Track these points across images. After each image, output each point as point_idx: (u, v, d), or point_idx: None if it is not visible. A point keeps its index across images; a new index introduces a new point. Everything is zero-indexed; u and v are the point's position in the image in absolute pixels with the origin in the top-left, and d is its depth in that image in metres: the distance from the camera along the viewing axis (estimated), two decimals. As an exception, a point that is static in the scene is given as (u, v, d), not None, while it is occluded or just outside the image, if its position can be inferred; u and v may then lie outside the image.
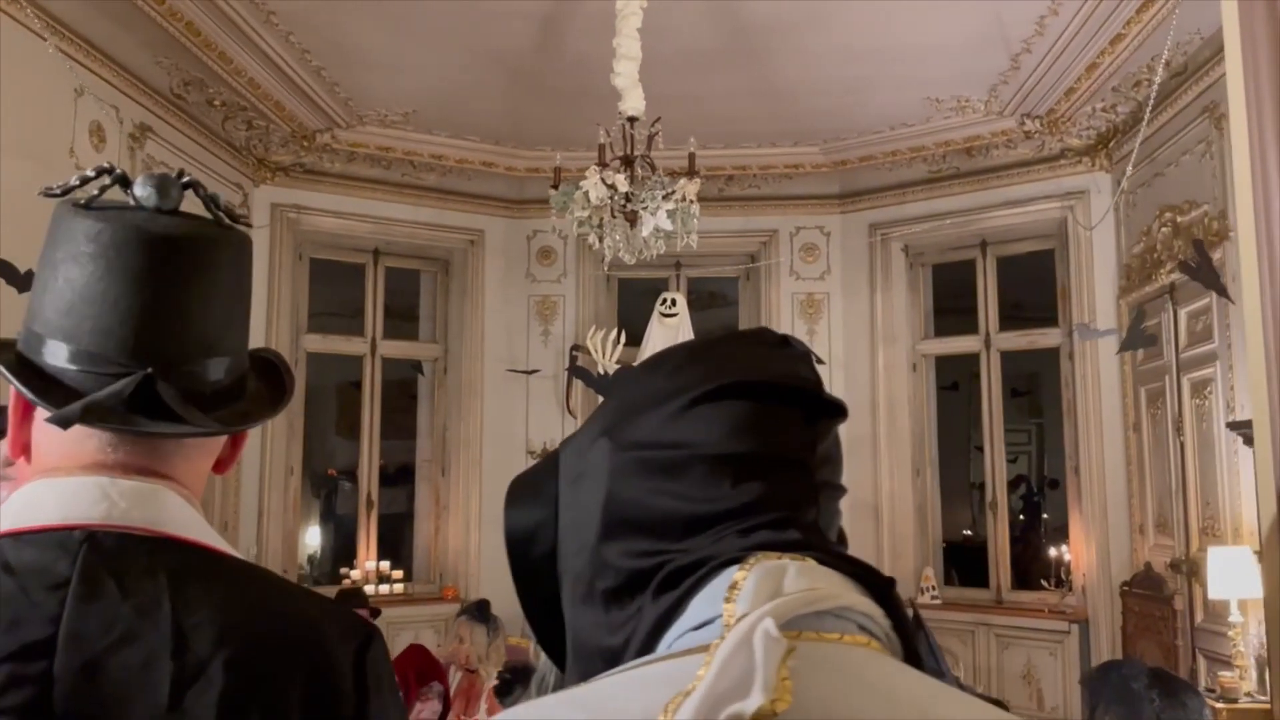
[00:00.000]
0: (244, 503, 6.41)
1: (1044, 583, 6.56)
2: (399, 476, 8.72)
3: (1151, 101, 5.07)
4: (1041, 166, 6.53)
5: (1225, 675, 4.48)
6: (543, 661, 2.38)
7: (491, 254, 7.44)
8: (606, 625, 0.71)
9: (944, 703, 0.64)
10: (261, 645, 0.88)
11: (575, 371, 7.12)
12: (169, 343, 0.92)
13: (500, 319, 7.42)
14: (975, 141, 6.50)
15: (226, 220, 1.00)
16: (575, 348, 7.29)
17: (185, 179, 0.98)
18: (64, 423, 0.86)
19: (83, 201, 0.93)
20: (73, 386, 0.89)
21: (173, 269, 0.93)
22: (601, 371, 7.10)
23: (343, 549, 8.59)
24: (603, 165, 4.08)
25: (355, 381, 7.58)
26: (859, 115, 6.32)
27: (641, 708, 0.58)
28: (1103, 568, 6.10)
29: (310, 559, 9.10)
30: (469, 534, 7.22)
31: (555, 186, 4.32)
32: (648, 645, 0.67)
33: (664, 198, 4.01)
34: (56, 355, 0.90)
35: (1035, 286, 7.08)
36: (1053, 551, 6.69)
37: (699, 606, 0.66)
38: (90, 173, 0.94)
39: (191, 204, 0.99)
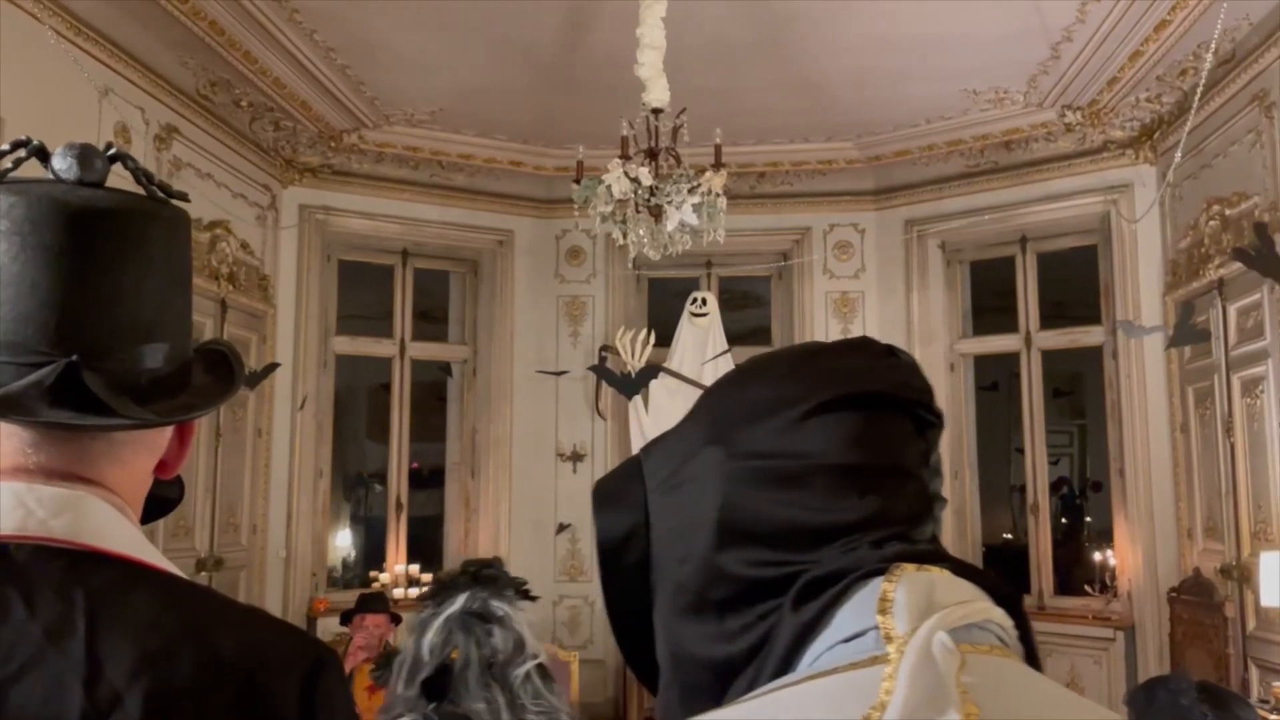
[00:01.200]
0: (273, 506, 6.38)
1: (1088, 588, 6.36)
2: (430, 479, 8.68)
3: (1201, 89, 4.88)
4: (1083, 160, 6.34)
5: (1279, 685, 4.30)
6: (407, 643, 2.29)
7: (520, 254, 7.37)
8: (721, 635, 0.70)
9: (1090, 711, 0.67)
10: (187, 674, 0.77)
11: (598, 370, 7.03)
12: (96, 328, 0.83)
13: (529, 320, 7.35)
14: (1014, 134, 6.32)
15: (160, 195, 0.89)
16: (604, 348, 7.20)
17: (111, 150, 0.88)
18: None
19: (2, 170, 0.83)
20: None
21: (98, 246, 0.83)
22: (628, 371, 7.00)
23: (373, 552, 8.56)
24: (626, 158, 3.98)
25: (385, 384, 7.54)
26: (894, 109, 6.17)
27: (830, 718, 0.59)
28: (1149, 573, 5.90)
29: (343, 562, 9.09)
30: (499, 536, 7.15)
31: (578, 181, 4.23)
32: (789, 656, 0.67)
33: (689, 191, 3.90)
34: None
35: (1076, 284, 6.88)
36: (1097, 556, 6.49)
37: (847, 618, 0.66)
38: (4, 146, 0.84)
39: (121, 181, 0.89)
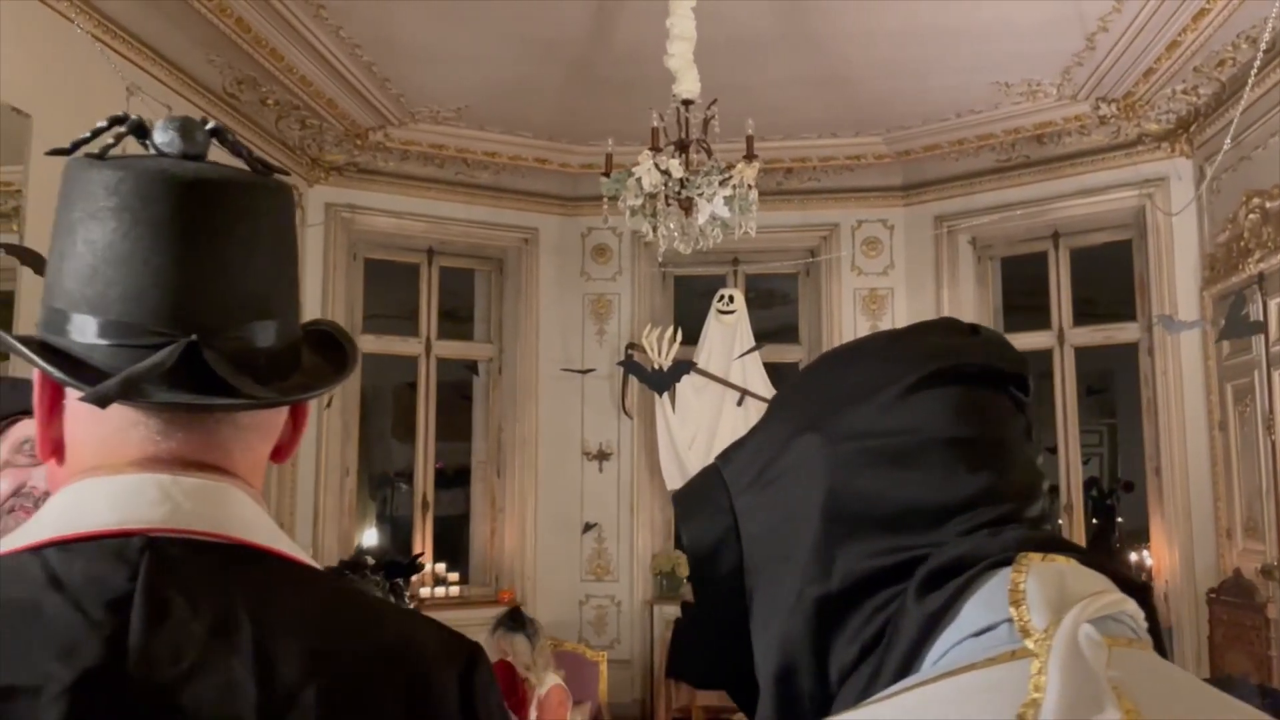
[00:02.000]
0: (300, 504, 6.37)
1: (1123, 589, 6.24)
2: (455, 478, 8.67)
3: (1253, 79, 4.77)
4: (1117, 153, 6.24)
5: (1326, 690, 4.19)
6: None
7: (546, 252, 7.34)
8: (832, 633, 0.67)
9: (1234, 703, 0.63)
10: (358, 671, 0.75)
11: (628, 365, 6.99)
12: (211, 304, 0.78)
13: (555, 318, 7.32)
14: (1047, 128, 6.22)
15: (260, 168, 0.85)
16: (630, 346, 7.15)
17: (211, 124, 0.85)
18: (100, 401, 0.73)
19: (97, 153, 0.80)
20: (104, 365, 0.76)
21: (209, 219, 0.79)
22: (658, 367, 6.95)
23: (400, 551, 8.55)
24: (656, 150, 3.93)
25: (411, 383, 7.53)
26: (923, 102, 6.09)
27: (981, 716, 0.57)
28: (1186, 574, 5.79)
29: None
30: (525, 536, 7.12)
31: (607, 174, 4.17)
32: (914, 651, 0.64)
33: (720, 183, 3.84)
34: (84, 331, 0.77)
35: (1108, 281, 6.77)
36: (1133, 557, 6.38)
37: (976, 611, 0.63)
38: (102, 123, 0.81)
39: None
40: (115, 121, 0.82)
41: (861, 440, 0.71)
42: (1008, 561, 0.64)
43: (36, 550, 0.74)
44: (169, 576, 0.73)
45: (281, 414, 0.87)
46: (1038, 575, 0.63)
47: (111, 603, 0.71)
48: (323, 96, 5.79)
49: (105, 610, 0.71)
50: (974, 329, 0.77)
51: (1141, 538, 6.51)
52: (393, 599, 2.70)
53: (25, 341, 0.78)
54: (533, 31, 5.21)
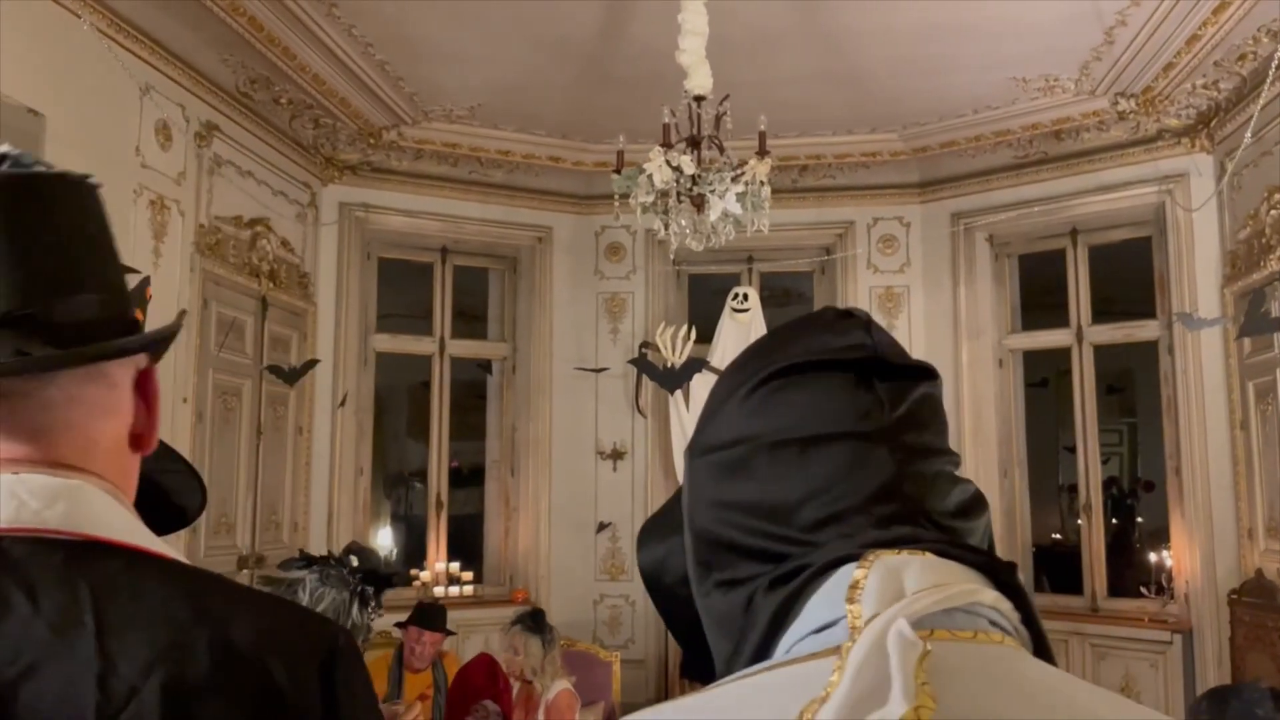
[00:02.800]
0: (314, 503, 6.38)
1: (1144, 590, 6.18)
2: (470, 478, 8.66)
3: (1274, 73, 4.70)
4: (1136, 149, 6.16)
5: (1351, 693, 4.12)
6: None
7: (559, 251, 7.33)
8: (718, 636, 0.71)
9: (1094, 701, 0.62)
10: (203, 665, 0.73)
11: (639, 364, 6.96)
12: (12, 284, 0.79)
13: (569, 317, 7.30)
14: (1065, 124, 6.15)
15: (50, 169, 0.87)
16: (644, 345, 7.13)
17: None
18: None
19: None
20: None
21: (13, 208, 0.81)
22: (670, 366, 6.92)
23: (414, 550, 8.56)
24: (668, 146, 3.89)
25: (425, 382, 7.53)
26: (940, 98, 6.04)
27: (771, 715, 0.57)
28: (1207, 574, 5.72)
29: (385, 561, 9.09)
30: (539, 535, 7.11)
31: (618, 171, 4.14)
32: (765, 644, 0.65)
33: (733, 179, 3.80)
34: None
35: (1127, 278, 6.70)
36: (1153, 557, 6.31)
37: (818, 607, 0.64)
38: None
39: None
40: None
41: (707, 455, 0.73)
42: (858, 558, 0.64)
43: None
44: (11, 575, 0.73)
45: (121, 395, 0.86)
46: (881, 571, 0.62)
47: None
48: (336, 95, 5.78)
49: None
50: (846, 314, 0.75)
51: (1162, 538, 6.44)
52: (355, 605, 2.76)
53: None
54: (545, 29, 5.19)
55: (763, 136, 4.14)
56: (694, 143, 4.00)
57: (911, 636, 0.57)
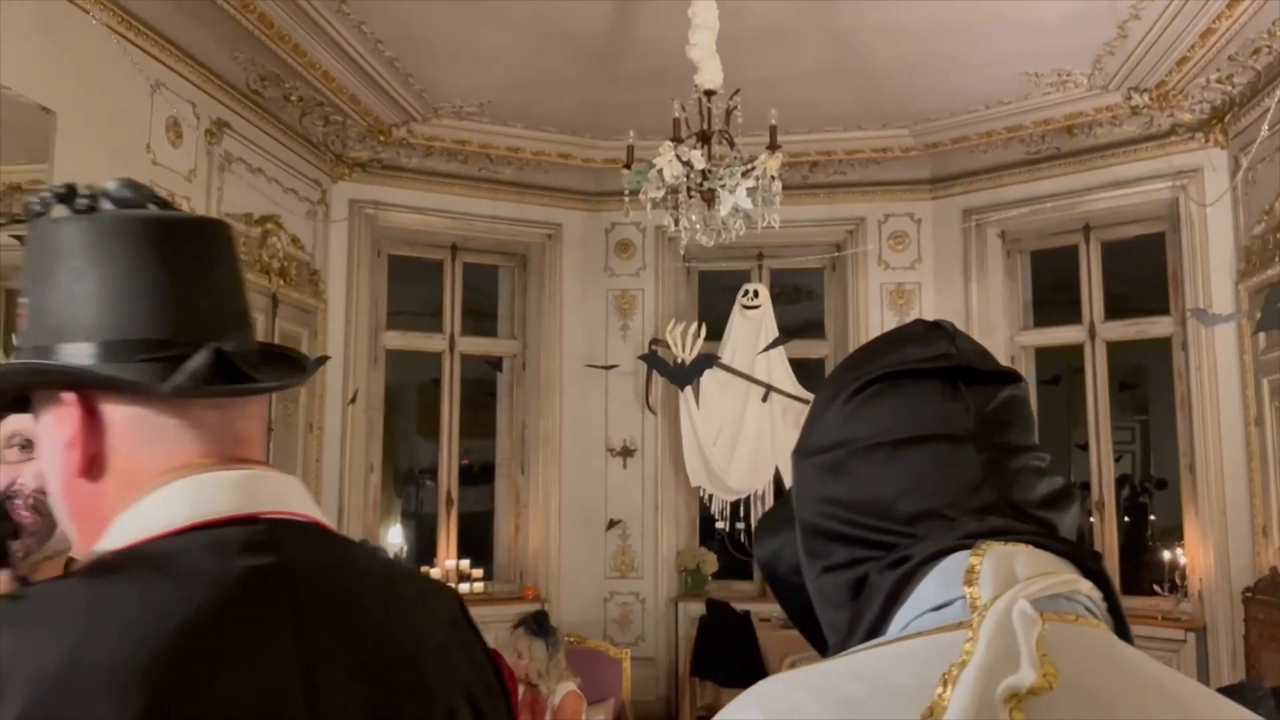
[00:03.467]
0: (324, 500, 6.38)
1: (1157, 588, 6.14)
2: (480, 475, 8.66)
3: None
4: (1150, 144, 6.12)
5: (1367, 692, 4.08)
6: None
7: (569, 248, 7.32)
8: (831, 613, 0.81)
9: (1174, 681, 0.71)
10: (423, 589, 1.02)
11: (649, 360, 6.95)
12: (216, 317, 0.93)
13: (579, 314, 7.29)
14: (1077, 119, 6.12)
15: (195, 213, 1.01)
16: (654, 342, 7.11)
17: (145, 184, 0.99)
18: (179, 392, 0.86)
19: (81, 207, 0.91)
20: (139, 377, 0.87)
21: (198, 251, 0.94)
22: (680, 362, 6.90)
23: (424, 547, 8.57)
24: (678, 141, 3.87)
25: (435, 379, 7.53)
26: (951, 94, 6.00)
27: (914, 677, 0.65)
28: (1222, 572, 5.68)
29: (394, 557, 9.11)
30: (549, 532, 7.10)
31: (628, 166, 4.13)
32: (878, 622, 0.74)
33: (743, 174, 3.78)
34: (101, 354, 0.88)
35: (1140, 275, 6.66)
36: (1166, 555, 6.27)
37: (930, 590, 0.72)
38: (45, 192, 0.93)
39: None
40: (51, 193, 0.92)
41: (808, 458, 0.82)
42: (968, 548, 0.72)
43: (183, 533, 0.84)
44: (296, 550, 0.89)
45: (265, 407, 1.01)
46: (994, 559, 0.71)
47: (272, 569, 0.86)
48: (346, 92, 5.78)
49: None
50: (935, 325, 0.84)
51: (1175, 536, 6.39)
52: None
53: (55, 367, 0.89)
54: (555, 25, 5.18)
55: (773, 131, 4.11)
56: (704, 138, 3.98)
57: (1033, 614, 0.66)
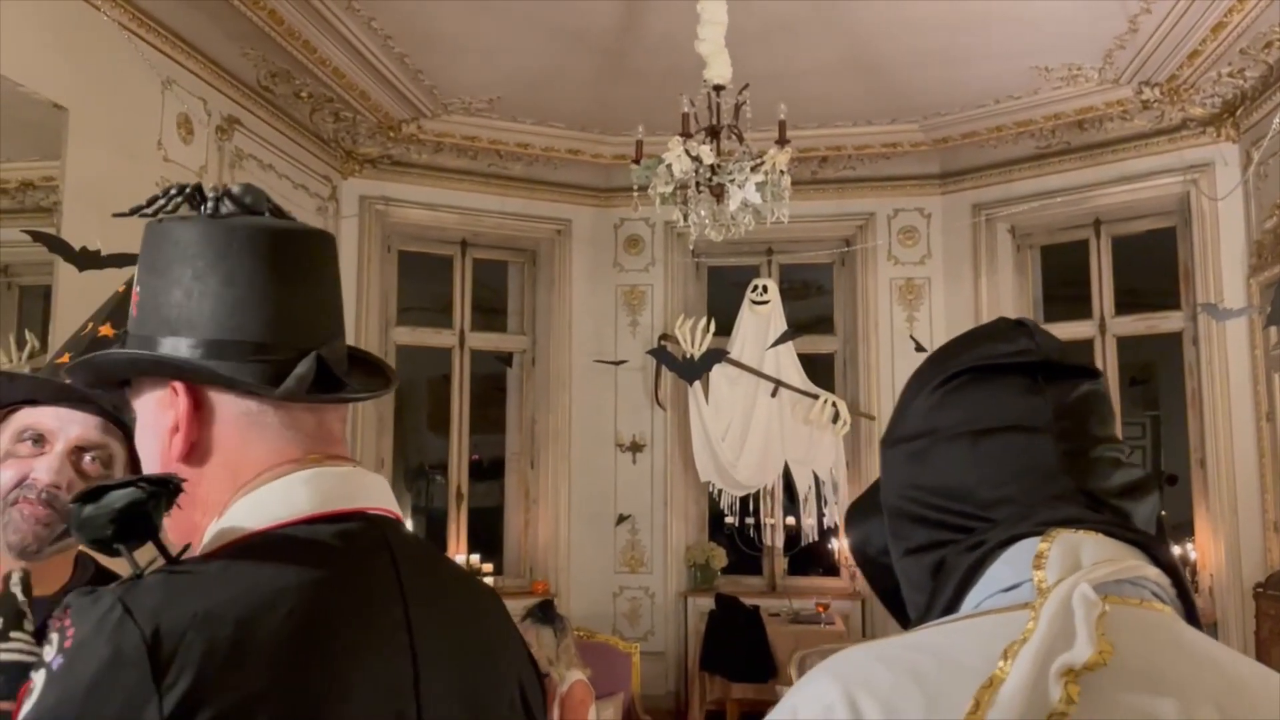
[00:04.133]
0: (335, 495, 6.40)
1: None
2: (490, 470, 8.68)
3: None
4: (1160, 139, 6.10)
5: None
6: None
7: (578, 244, 7.32)
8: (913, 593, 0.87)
9: (1242, 665, 0.75)
10: (483, 590, 1.08)
11: (658, 355, 6.96)
12: (318, 326, 0.98)
13: (588, 309, 7.30)
14: (1088, 113, 6.10)
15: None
16: (664, 337, 7.12)
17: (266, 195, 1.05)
18: (290, 396, 0.91)
19: (209, 211, 0.97)
20: (249, 376, 0.92)
21: (309, 261, 0.99)
22: (689, 356, 6.91)
23: (435, 542, 8.58)
24: (687, 136, 3.88)
25: (446, 375, 7.55)
26: (961, 89, 5.99)
27: (979, 652, 0.70)
28: (1232, 568, 5.67)
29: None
30: (558, 527, 7.12)
31: (637, 161, 4.13)
32: (954, 601, 0.79)
33: (752, 169, 3.78)
34: (216, 351, 0.93)
35: (1151, 270, 6.64)
36: (1176, 551, 6.25)
37: (1002, 572, 0.78)
38: (172, 189, 0.98)
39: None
40: (170, 192, 0.98)
41: (895, 446, 0.88)
42: (1035, 534, 0.77)
43: (311, 522, 0.90)
44: (400, 545, 0.95)
45: (348, 409, 1.07)
46: (1062, 545, 0.76)
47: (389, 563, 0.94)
48: (356, 89, 5.80)
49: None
50: (1018, 323, 0.88)
51: (1186, 531, 6.38)
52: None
53: (179, 360, 0.94)
54: (564, 21, 5.18)
55: (782, 125, 4.11)
56: (713, 133, 3.98)
57: (1093, 597, 0.71)
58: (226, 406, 0.94)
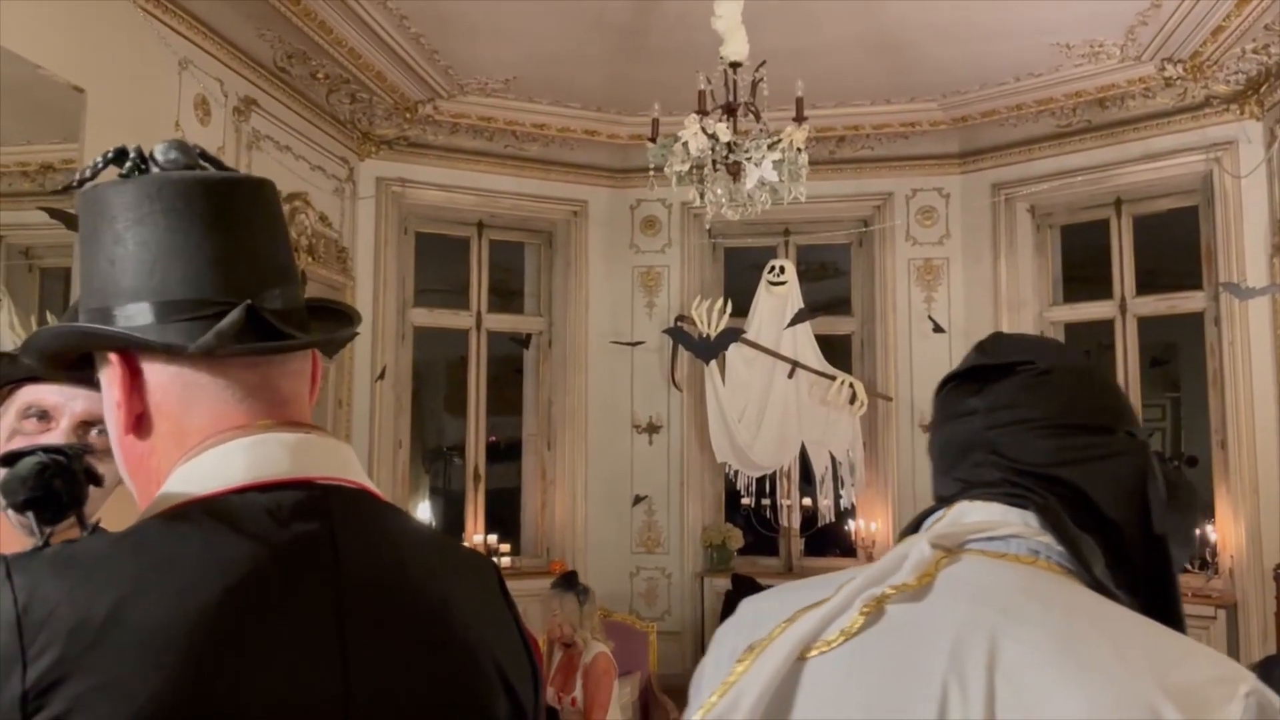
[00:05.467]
0: (353, 476, 6.43)
1: (1188, 565, 6.09)
2: (507, 452, 8.71)
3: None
4: (1183, 116, 6.02)
5: (1401, 669, 4.04)
6: None
7: (595, 225, 7.31)
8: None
9: (1101, 609, 0.86)
10: (463, 559, 1.05)
11: (674, 334, 6.95)
12: (255, 275, 0.93)
13: (604, 291, 7.29)
14: (1109, 91, 6.03)
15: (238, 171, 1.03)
16: (680, 318, 7.11)
17: (193, 144, 1.00)
18: (207, 351, 0.86)
19: (123, 173, 0.93)
20: (177, 339, 0.88)
21: (236, 210, 0.94)
22: (705, 336, 6.89)
23: (452, 523, 8.64)
24: (703, 114, 3.85)
25: (463, 357, 7.57)
26: (981, 66, 5.93)
27: (839, 590, 0.93)
28: (1253, 549, 5.63)
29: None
30: (575, 508, 7.14)
31: (653, 140, 4.11)
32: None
33: (769, 147, 3.75)
34: (144, 315, 0.89)
35: (1172, 249, 6.56)
36: (1196, 532, 6.21)
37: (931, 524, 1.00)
38: (98, 159, 0.95)
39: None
40: (104, 156, 0.94)
41: (928, 431, 1.13)
42: (955, 499, 1.01)
43: (241, 492, 0.85)
44: (347, 515, 0.90)
45: (309, 364, 0.99)
46: (957, 509, 0.99)
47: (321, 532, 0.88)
48: (372, 69, 5.79)
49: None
50: (977, 345, 1.11)
51: (1206, 513, 6.34)
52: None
53: (94, 329, 0.91)
54: (580, 1, 5.15)
55: (800, 102, 4.08)
56: (730, 110, 3.96)
57: (927, 550, 0.92)
58: (159, 372, 0.90)
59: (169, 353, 0.88)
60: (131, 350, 0.90)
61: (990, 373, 1.02)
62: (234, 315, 0.87)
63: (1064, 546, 0.88)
